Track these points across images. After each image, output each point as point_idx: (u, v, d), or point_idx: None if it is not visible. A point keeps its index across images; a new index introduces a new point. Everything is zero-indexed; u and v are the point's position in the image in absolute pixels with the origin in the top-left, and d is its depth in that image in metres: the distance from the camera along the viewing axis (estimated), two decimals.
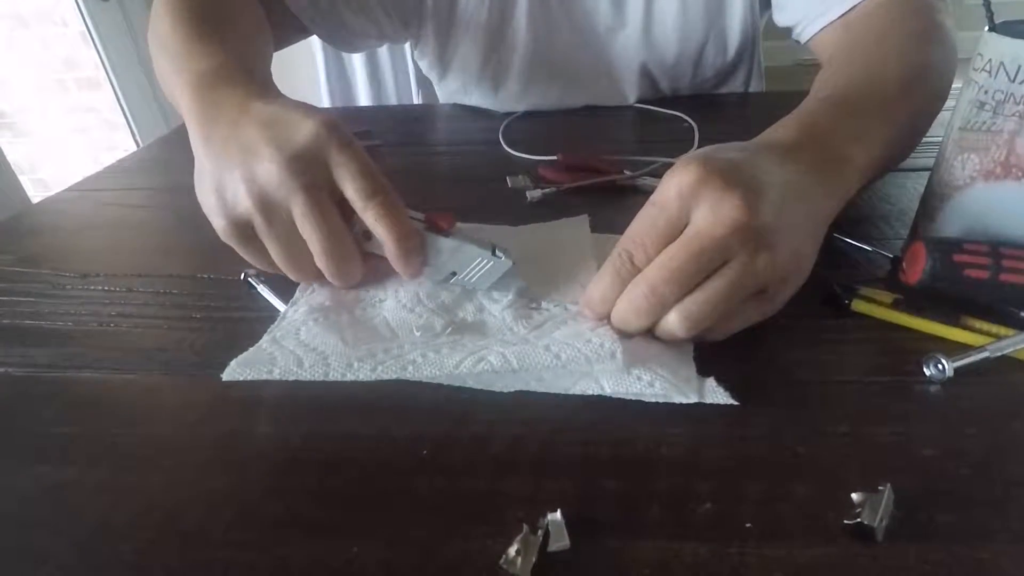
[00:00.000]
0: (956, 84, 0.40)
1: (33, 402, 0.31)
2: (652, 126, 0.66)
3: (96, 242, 0.48)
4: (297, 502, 0.25)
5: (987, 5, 0.34)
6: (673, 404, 0.28)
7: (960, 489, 0.24)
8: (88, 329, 0.36)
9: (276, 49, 0.55)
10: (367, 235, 0.35)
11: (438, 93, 0.80)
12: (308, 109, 0.34)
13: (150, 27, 0.47)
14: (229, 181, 0.33)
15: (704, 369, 0.29)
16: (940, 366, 0.28)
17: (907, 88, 0.40)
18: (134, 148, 1.49)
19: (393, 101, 1.54)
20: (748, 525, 0.23)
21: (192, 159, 0.36)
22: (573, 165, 0.53)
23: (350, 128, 0.34)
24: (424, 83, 0.91)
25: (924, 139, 0.43)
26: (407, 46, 0.80)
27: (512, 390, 0.29)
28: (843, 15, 0.52)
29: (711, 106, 0.70)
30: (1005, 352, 0.29)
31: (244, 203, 0.33)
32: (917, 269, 0.32)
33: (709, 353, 0.30)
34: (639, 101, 0.71)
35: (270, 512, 0.24)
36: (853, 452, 0.26)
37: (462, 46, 0.69)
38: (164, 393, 0.31)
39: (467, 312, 0.34)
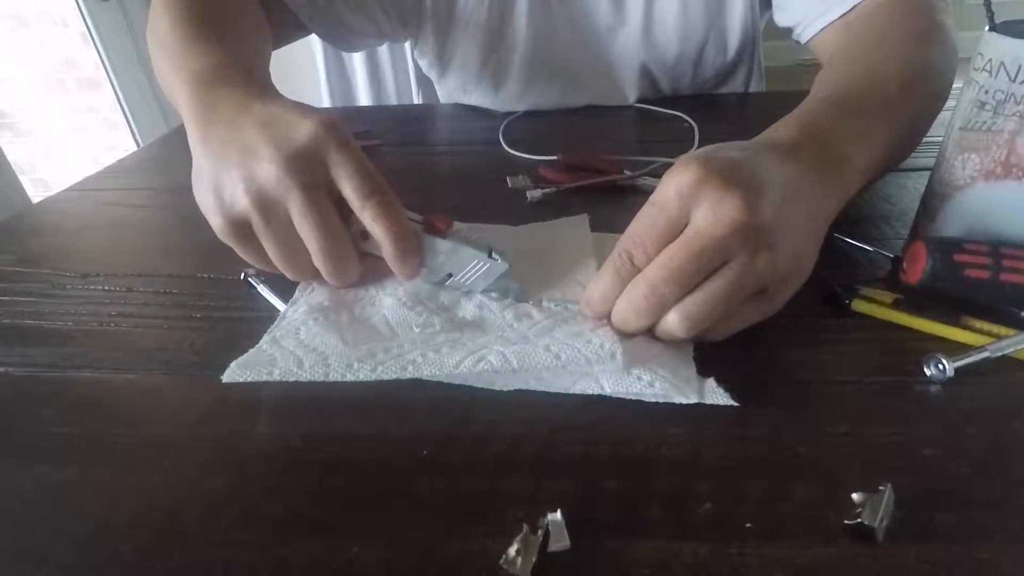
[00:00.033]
0: (956, 84, 0.40)
1: (33, 402, 0.31)
2: (652, 126, 0.66)
3: (96, 242, 0.48)
4: (297, 502, 0.25)
5: (988, 5, 0.34)
6: (673, 404, 0.28)
7: (960, 489, 0.24)
8: (88, 329, 0.36)
9: (275, 48, 0.55)
10: (364, 235, 0.35)
11: (438, 92, 0.80)
12: (306, 109, 0.34)
13: (149, 25, 0.47)
14: (227, 180, 0.33)
15: (704, 369, 0.29)
16: (940, 366, 0.28)
17: (907, 88, 0.40)
18: (134, 148, 1.49)
19: (393, 100, 1.54)
20: (748, 525, 0.23)
21: (192, 159, 0.36)
22: (573, 165, 0.53)
23: (349, 128, 0.34)
24: (424, 82, 0.91)
25: (925, 139, 0.43)
26: (407, 45, 0.80)
27: (512, 389, 0.29)
28: (844, 15, 0.52)
29: (711, 106, 0.70)
30: (1005, 352, 0.29)
31: (242, 202, 0.33)
32: (917, 269, 0.32)
33: (709, 353, 0.30)
34: (639, 101, 0.71)
35: (270, 512, 0.24)
36: (853, 452, 0.26)
37: (461, 45, 0.69)
38: (164, 393, 0.31)
39: (467, 310, 0.34)
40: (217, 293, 0.39)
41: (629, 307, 0.29)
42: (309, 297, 0.36)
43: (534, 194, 0.49)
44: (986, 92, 0.32)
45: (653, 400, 0.28)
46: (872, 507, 0.22)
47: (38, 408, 0.30)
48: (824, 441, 0.26)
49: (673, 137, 0.60)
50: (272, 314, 0.35)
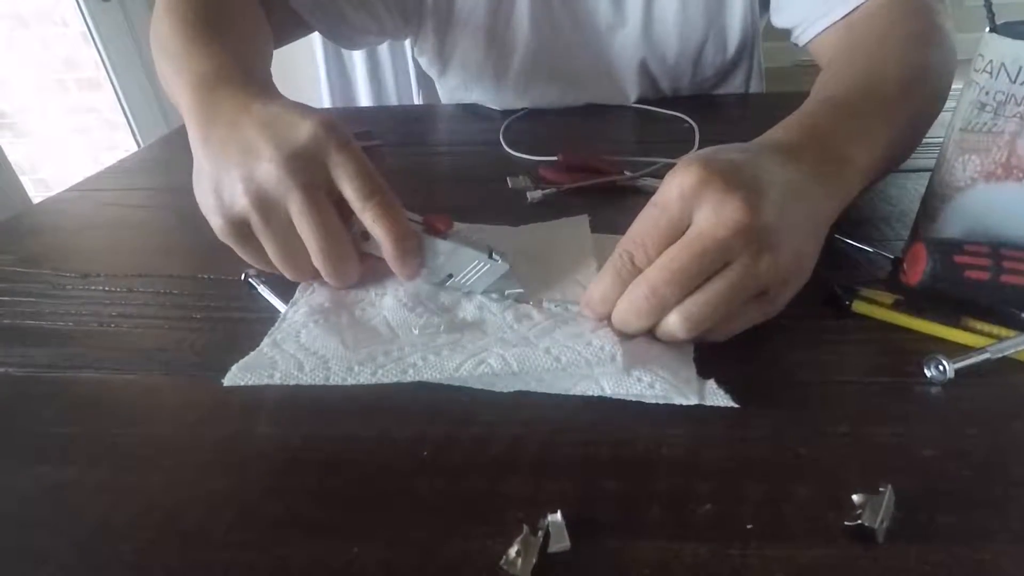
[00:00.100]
0: (957, 85, 0.40)
1: (33, 402, 0.31)
2: (652, 126, 0.66)
3: (97, 242, 0.48)
4: (297, 503, 0.25)
5: (988, 6, 0.34)
6: (673, 405, 0.28)
7: (961, 490, 0.24)
8: (88, 329, 0.36)
9: (277, 46, 0.55)
10: (365, 235, 0.35)
11: (439, 90, 0.80)
12: (307, 110, 0.34)
13: (151, 29, 0.47)
14: (227, 180, 0.33)
15: (705, 369, 0.29)
16: (941, 367, 0.28)
17: (907, 89, 0.40)
18: (135, 148, 1.49)
19: (393, 100, 1.54)
20: (749, 526, 0.23)
21: (193, 160, 0.36)
22: (573, 166, 0.53)
23: (350, 128, 0.34)
24: (424, 82, 0.91)
25: (925, 140, 0.43)
26: (407, 44, 0.80)
27: (512, 390, 0.29)
28: (846, 16, 0.52)
29: (711, 107, 0.70)
30: (1006, 353, 0.29)
31: (241, 201, 0.33)
32: (918, 270, 0.32)
33: (710, 353, 0.30)
34: (639, 101, 0.71)
35: (270, 513, 0.24)
36: (854, 453, 0.26)
37: (461, 43, 0.69)
38: (164, 393, 0.31)
39: (467, 311, 0.34)
40: (217, 294, 0.39)
41: (630, 308, 0.29)
42: (309, 298, 0.36)
43: (534, 195, 0.49)
44: (986, 93, 0.32)
45: (653, 401, 0.28)
46: (872, 508, 0.22)
47: (38, 408, 0.30)
48: (824, 442, 0.26)
49: (673, 138, 0.60)
50: (272, 315, 0.35)
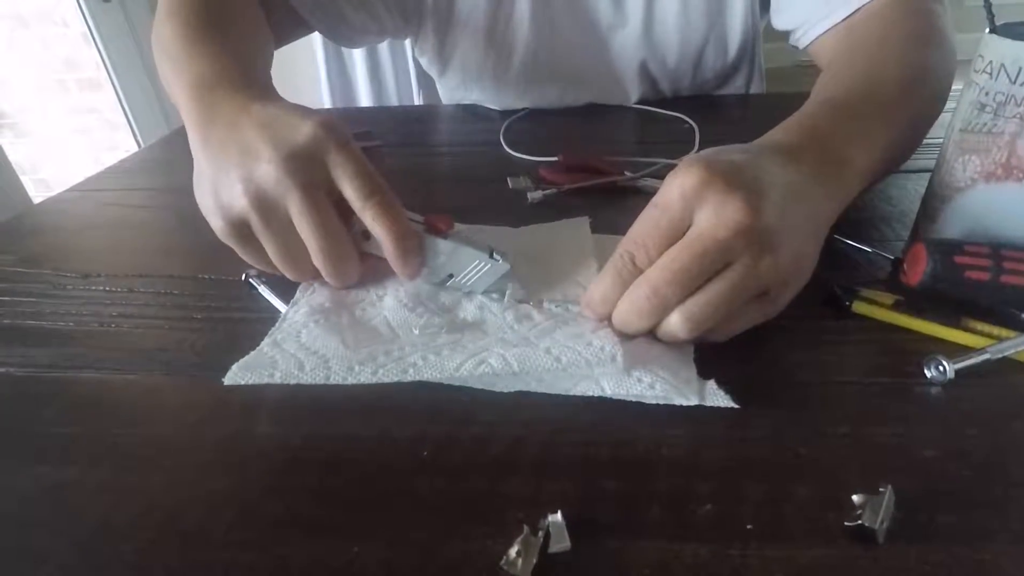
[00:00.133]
0: (957, 86, 0.40)
1: (34, 402, 0.31)
2: (653, 127, 0.66)
3: (97, 242, 0.48)
4: (298, 502, 0.25)
5: (988, 7, 0.34)
6: (674, 405, 0.28)
7: (961, 490, 0.24)
8: (89, 329, 0.36)
9: (277, 46, 0.55)
10: (366, 235, 0.35)
11: (439, 90, 0.80)
12: (306, 111, 0.34)
13: (154, 33, 0.47)
14: (226, 182, 0.33)
15: (705, 370, 0.29)
16: (941, 368, 0.28)
17: (907, 91, 0.40)
18: (135, 148, 1.49)
19: (394, 99, 1.54)
20: (749, 526, 0.23)
21: (193, 160, 0.36)
22: (574, 166, 0.53)
23: (349, 129, 0.34)
24: (425, 82, 0.91)
25: (925, 140, 0.43)
26: (408, 44, 0.81)
27: (513, 390, 0.29)
28: (847, 18, 0.52)
29: (712, 107, 0.70)
30: (1006, 354, 0.29)
31: (240, 202, 0.33)
32: (918, 271, 0.32)
33: (710, 354, 0.30)
34: (640, 102, 0.71)
35: (271, 512, 0.24)
36: (854, 453, 0.26)
37: (462, 43, 0.69)
38: (165, 393, 0.31)
39: (468, 312, 0.35)
40: (218, 294, 0.39)
41: (631, 308, 0.29)
42: (310, 298, 0.36)
43: (535, 195, 0.49)
44: (986, 94, 0.32)
45: (654, 402, 0.28)
46: (872, 508, 0.22)
47: (39, 408, 0.30)
48: (824, 442, 0.26)
49: (674, 138, 0.60)
50: (273, 315, 0.35)
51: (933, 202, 0.36)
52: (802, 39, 0.57)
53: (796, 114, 0.37)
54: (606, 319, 0.31)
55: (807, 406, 0.28)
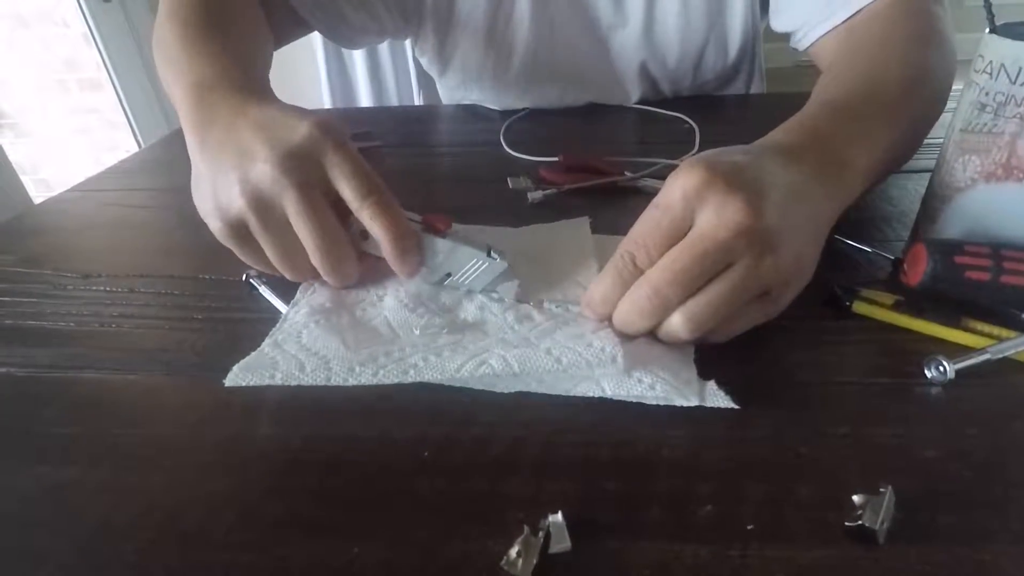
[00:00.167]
0: (957, 86, 0.40)
1: (34, 402, 0.31)
2: (653, 127, 0.66)
3: (98, 242, 0.48)
4: (298, 503, 0.25)
5: (988, 7, 0.34)
6: (674, 406, 0.28)
7: (961, 491, 0.24)
8: (89, 330, 0.36)
9: (277, 47, 0.55)
10: (364, 235, 0.35)
11: (439, 90, 0.80)
12: (303, 112, 0.34)
13: (155, 35, 0.47)
14: (224, 183, 0.33)
15: (705, 370, 0.29)
16: (941, 368, 0.28)
17: (908, 91, 0.40)
18: (136, 149, 1.49)
19: (394, 100, 1.54)
20: (749, 527, 0.23)
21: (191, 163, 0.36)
22: (574, 166, 0.53)
23: (348, 129, 0.34)
24: (425, 82, 0.91)
25: (925, 141, 0.43)
26: (408, 44, 0.81)
27: (513, 391, 0.29)
28: (847, 19, 0.51)
29: (712, 107, 0.70)
30: (1006, 354, 0.29)
31: (238, 203, 0.33)
32: (918, 271, 0.32)
33: (710, 354, 0.30)
34: (640, 102, 0.71)
35: (271, 513, 0.24)
36: (854, 454, 0.26)
37: (462, 43, 0.69)
38: (165, 394, 0.31)
39: (468, 312, 0.35)
40: (218, 294, 0.39)
41: (633, 308, 0.29)
42: (311, 298, 0.36)
43: (535, 195, 0.49)
44: (986, 94, 0.32)
45: (654, 402, 0.28)
46: (873, 509, 0.22)
47: (39, 408, 0.30)
48: (825, 443, 0.26)
49: (674, 138, 0.60)
50: (273, 315, 0.35)
51: (933, 202, 0.36)
52: (802, 41, 0.57)
53: (797, 115, 0.37)
54: (607, 319, 0.31)
55: (807, 406, 0.28)
